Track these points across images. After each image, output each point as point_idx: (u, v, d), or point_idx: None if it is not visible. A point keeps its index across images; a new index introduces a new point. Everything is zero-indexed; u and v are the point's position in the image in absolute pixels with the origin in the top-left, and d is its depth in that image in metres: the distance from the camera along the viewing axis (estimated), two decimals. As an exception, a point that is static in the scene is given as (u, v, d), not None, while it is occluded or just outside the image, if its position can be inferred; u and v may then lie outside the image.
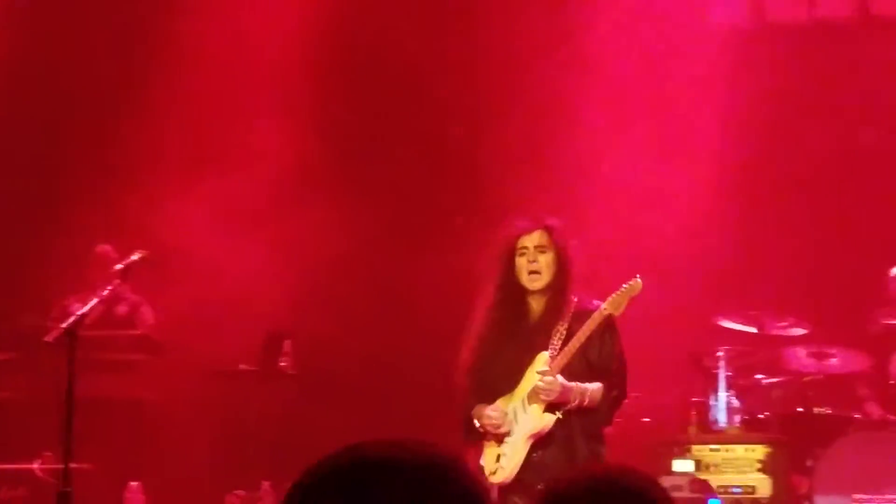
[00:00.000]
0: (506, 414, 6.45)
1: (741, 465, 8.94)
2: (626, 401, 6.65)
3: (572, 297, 6.45)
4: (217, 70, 10.53)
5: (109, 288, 7.25)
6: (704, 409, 9.24)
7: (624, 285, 6.41)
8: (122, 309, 9.97)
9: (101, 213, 10.20)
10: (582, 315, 6.39)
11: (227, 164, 10.24)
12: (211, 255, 9.84)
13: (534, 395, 6.39)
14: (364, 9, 11.08)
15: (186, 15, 10.55)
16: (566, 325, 6.39)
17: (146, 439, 9.73)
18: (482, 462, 6.57)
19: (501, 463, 6.45)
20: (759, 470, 8.93)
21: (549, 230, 6.51)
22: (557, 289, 6.48)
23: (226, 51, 10.57)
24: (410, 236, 10.71)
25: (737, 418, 9.20)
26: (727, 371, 9.19)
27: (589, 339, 6.34)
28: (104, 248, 9.65)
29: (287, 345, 9.40)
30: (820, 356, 9.30)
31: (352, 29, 11.07)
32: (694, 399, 9.38)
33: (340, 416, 9.60)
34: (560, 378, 6.33)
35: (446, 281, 10.33)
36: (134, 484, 9.05)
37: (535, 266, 6.46)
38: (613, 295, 6.38)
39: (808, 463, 8.79)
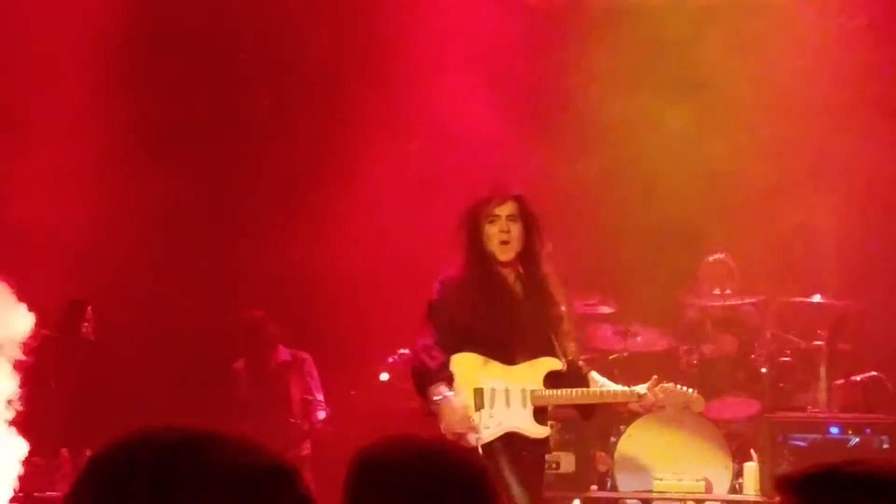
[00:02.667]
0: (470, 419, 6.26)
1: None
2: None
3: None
4: (27, 39, 10.24)
5: None
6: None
7: (691, 390, 6.50)
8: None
9: None
10: None
11: (47, 131, 9.96)
12: (22, 219, 9.57)
13: (538, 398, 6.38)
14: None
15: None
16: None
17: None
18: (454, 394, 6.30)
19: (480, 420, 6.31)
20: (563, 446, 9.01)
21: (519, 200, 6.39)
22: (528, 260, 6.41)
23: (41, 21, 10.27)
24: (230, 213, 10.66)
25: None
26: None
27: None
28: None
29: (89, 311, 9.32)
30: (625, 334, 9.44)
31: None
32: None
33: (140, 385, 9.43)
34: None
35: (259, 262, 10.26)
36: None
37: (506, 237, 6.32)
38: (676, 386, 6.47)
39: (612, 440, 8.90)
